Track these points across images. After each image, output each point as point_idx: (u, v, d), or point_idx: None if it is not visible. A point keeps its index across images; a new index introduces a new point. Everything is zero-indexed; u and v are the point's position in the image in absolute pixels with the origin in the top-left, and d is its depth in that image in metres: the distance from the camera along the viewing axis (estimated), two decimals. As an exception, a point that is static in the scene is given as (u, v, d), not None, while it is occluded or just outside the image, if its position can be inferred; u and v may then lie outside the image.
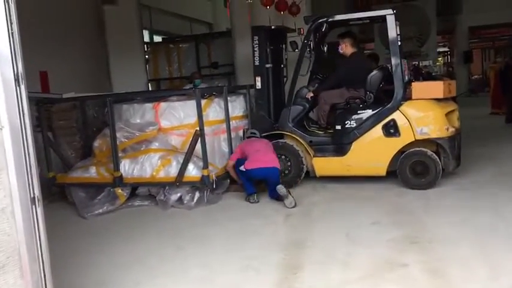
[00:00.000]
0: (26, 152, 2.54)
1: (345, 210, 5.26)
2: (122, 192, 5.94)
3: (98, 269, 4.04)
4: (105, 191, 6.01)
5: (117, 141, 5.98)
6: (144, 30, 13.20)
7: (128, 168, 5.96)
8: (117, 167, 5.89)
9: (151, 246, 4.50)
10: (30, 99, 2.61)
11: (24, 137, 2.53)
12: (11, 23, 2.48)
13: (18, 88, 2.51)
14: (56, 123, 7.36)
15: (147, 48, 11.95)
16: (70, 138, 7.41)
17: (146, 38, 13.44)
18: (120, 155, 6.04)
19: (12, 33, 2.48)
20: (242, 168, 5.79)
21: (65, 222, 5.52)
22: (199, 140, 5.65)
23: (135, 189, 6.05)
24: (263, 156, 5.81)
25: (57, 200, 6.54)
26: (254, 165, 5.71)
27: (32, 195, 2.57)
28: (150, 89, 11.33)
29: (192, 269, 3.89)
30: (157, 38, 13.90)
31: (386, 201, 5.50)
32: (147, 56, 11.65)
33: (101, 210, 5.76)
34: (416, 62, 20.44)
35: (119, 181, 5.88)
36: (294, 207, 5.38)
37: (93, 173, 6.11)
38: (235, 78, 9.98)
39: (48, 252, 2.69)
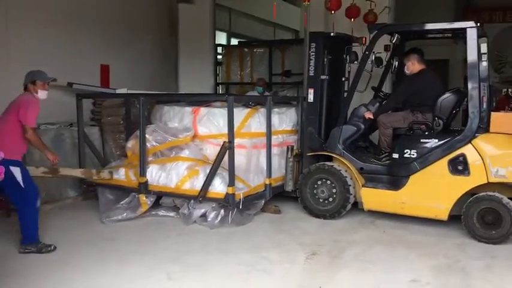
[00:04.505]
0: None
1: (385, 257, 4.36)
2: (145, 200, 5.50)
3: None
4: (130, 196, 5.61)
5: (149, 145, 5.59)
6: (222, 32, 12.93)
7: (154, 174, 5.51)
8: (143, 173, 5.47)
9: (140, 269, 3.94)
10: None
11: None
12: None
13: None
14: (105, 118, 7.20)
15: (222, 50, 11.59)
16: (117, 135, 7.21)
17: (223, 41, 13.10)
18: (150, 159, 5.64)
19: None
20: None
21: (76, 226, 5.19)
22: (227, 152, 5.04)
23: (160, 198, 5.60)
24: None
25: (91, 197, 6.29)
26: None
27: None
28: (219, 92, 10.94)
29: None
30: (235, 42, 13.53)
31: (440, 252, 4.49)
32: (220, 59, 11.30)
33: (120, 217, 5.35)
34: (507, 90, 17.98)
35: (143, 187, 5.45)
36: None
37: (121, 175, 5.74)
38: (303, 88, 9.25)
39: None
